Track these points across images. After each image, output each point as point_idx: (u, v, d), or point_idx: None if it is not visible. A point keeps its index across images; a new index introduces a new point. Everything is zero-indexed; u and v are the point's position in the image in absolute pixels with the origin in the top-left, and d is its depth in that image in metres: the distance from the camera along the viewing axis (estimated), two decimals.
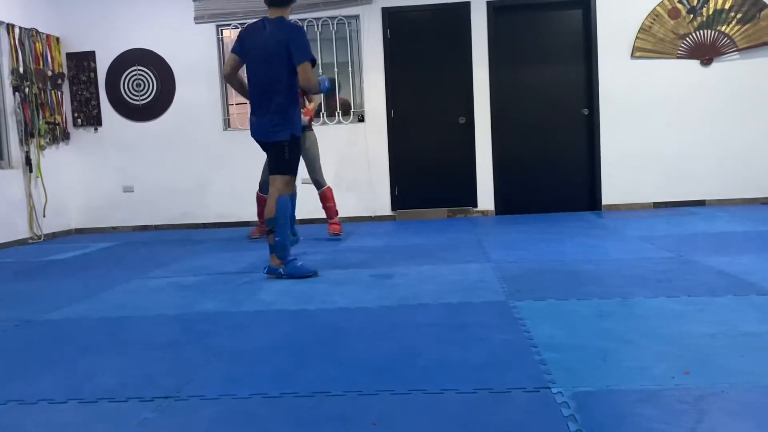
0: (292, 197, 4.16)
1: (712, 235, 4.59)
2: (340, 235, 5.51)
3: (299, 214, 6.87)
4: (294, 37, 3.73)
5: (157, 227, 7.06)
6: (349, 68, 6.81)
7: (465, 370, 2.06)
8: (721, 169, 6.45)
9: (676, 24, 6.39)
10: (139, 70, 6.93)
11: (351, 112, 6.84)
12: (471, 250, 4.50)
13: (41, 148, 6.53)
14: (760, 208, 6.06)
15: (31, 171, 6.37)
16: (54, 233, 6.75)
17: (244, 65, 3.92)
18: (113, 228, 7.13)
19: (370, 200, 6.83)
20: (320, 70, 6.84)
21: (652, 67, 6.43)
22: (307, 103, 5.32)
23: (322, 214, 6.85)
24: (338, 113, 6.81)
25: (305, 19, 6.74)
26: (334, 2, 6.64)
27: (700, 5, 6.34)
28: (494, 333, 2.46)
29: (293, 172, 3.86)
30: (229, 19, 6.80)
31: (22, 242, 6.24)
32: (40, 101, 6.51)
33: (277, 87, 3.73)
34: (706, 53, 6.39)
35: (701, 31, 6.37)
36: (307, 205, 6.89)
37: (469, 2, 6.55)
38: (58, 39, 6.87)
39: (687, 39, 6.39)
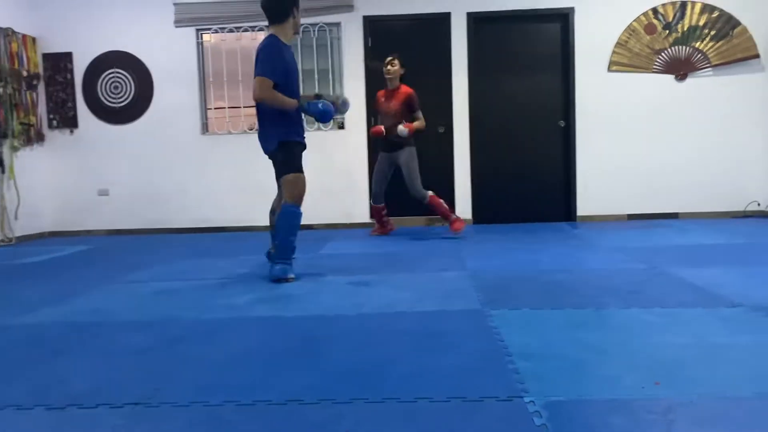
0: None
1: (684, 248, 4.67)
2: (459, 232, 5.58)
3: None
4: (259, 52, 3.83)
5: (132, 232, 6.99)
6: (330, 75, 6.82)
7: (439, 379, 2.07)
8: (694, 182, 6.57)
9: (652, 39, 6.50)
10: (117, 72, 6.87)
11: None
12: (448, 258, 4.53)
13: (15, 149, 6.43)
14: (731, 222, 6.17)
15: (3, 172, 6.27)
16: (26, 236, 6.64)
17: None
18: (87, 232, 7.04)
19: (349, 207, 6.83)
20: (304, 86, 6.84)
21: (628, 81, 6.54)
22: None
23: (303, 220, 6.84)
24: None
25: None
26: (315, 9, 6.65)
27: (675, 21, 6.47)
28: (469, 341, 2.47)
29: (293, 170, 3.88)
30: (209, 23, 6.78)
31: None
32: (14, 102, 6.42)
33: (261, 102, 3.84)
34: (680, 68, 6.51)
35: (676, 47, 6.49)
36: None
37: (449, 13, 6.60)
38: (34, 39, 6.79)
39: (662, 54, 6.51)
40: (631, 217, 6.63)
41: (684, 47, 6.48)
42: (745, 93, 6.48)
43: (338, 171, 6.80)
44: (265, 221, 6.82)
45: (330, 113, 4.01)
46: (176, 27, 6.79)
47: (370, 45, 6.67)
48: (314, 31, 6.75)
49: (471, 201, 6.73)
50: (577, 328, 2.60)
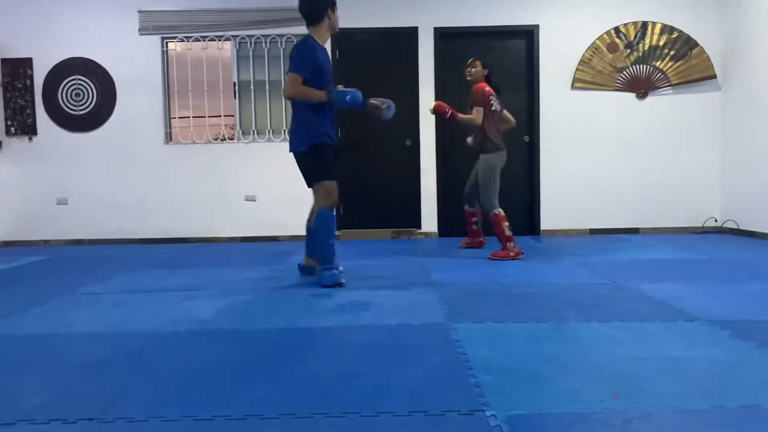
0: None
1: (645, 263, 4.76)
2: (499, 258, 4.97)
3: (244, 232, 6.79)
4: (293, 51, 3.94)
5: (91, 242, 6.83)
6: None
7: (401, 393, 2.06)
8: (654, 198, 6.71)
9: (615, 58, 6.65)
10: (79, 79, 6.74)
11: None
12: (413, 271, 4.53)
13: None
14: (690, 237, 6.31)
15: None
16: None
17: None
18: (45, 241, 6.86)
19: None
20: (266, 86, 6.81)
21: (591, 98, 6.67)
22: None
23: (267, 232, 6.80)
24: (285, 131, 6.78)
25: (253, 36, 6.71)
26: (282, 20, 6.63)
27: (636, 41, 6.63)
28: (432, 355, 2.47)
29: (326, 178, 3.97)
30: (175, 32, 6.71)
31: None
32: None
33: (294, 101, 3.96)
34: (641, 87, 6.67)
35: (637, 66, 6.65)
36: (247, 220, 6.85)
37: (416, 27, 6.66)
38: None
39: (624, 72, 6.66)
40: (593, 231, 6.74)
41: (645, 66, 6.64)
42: (703, 112, 6.67)
43: (304, 182, 6.74)
44: (229, 232, 6.79)
45: (358, 99, 3.99)
46: (140, 35, 6.70)
47: (337, 57, 6.68)
48: (282, 41, 6.73)
49: (437, 214, 6.76)
50: (539, 342, 2.62)
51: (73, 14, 6.71)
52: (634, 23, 6.62)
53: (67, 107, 6.77)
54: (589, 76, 6.64)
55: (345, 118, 6.68)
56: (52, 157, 6.79)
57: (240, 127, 6.84)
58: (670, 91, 6.67)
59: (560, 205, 6.72)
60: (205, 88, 6.82)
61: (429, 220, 6.77)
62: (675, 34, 6.59)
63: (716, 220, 6.71)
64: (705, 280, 3.94)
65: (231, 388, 2.14)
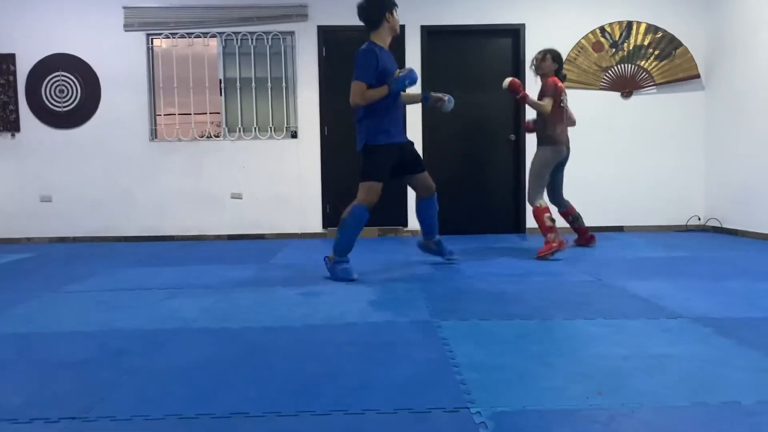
0: (430, 206, 4.52)
1: (629, 261, 4.79)
2: (545, 257, 4.79)
3: (230, 230, 6.76)
4: (356, 57, 4.09)
5: (75, 239, 6.78)
6: (283, 84, 6.78)
7: (387, 390, 2.06)
8: (638, 197, 6.77)
9: (600, 57, 6.69)
10: (63, 75, 6.67)
11: (284, 127, 6.79)
12: (399, 269, 4.53)
13: None
14: (673, 235, 6.37)
15: None
16: None
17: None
18: (28, 239, 6.79)
19: (301, 217, 6.78)
20: (252, 83, 6.79)
21: (576, 97, 6.68)
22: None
23: (253, 230, 6.78)
24: (271, 128, 6.76)
25: (239, 33, 6.68)
26: (269, 17, 6.61)
27: (621, 40, 6.67)
28: (417, 352, 2.47)
29: (372, 179, 4.08)
30: (160, 28, 6.66)
31: None
32: None
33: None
34: (626, 86, 6.72)
35: (622, 65, 6.69)
36: (233, 218, 6.83)
37: (403, 25, 6.63)
38: None
39: (609, 72, 6.70)
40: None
41: (629, 65, 6.69)
42: (687, 111, 6.73)
43: (291, 180, 6.75)
44: (215, 230, 6.76)
45: (415, 78, 4.06)
46: (125, 31, 6.64)
47: (324, 55, 6.67)
48: (268, 39, 6.71)
49: None
50: (524, 339, 2.64)
51: (57, 10, 6.64)
52: (620, 23, 6.66)
53: (51, 104, 6.70)
54: (575, 75, 6.67)
55: (329, 116, 6.68)
56: (35, 154, 6.73)
57: (226, 125, 6.81)
58: (655, 91, 6.72)
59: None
60: (191, 85, 6.78)
61: (414, 218, 6.76)
62: (659, 34, 6.64)
63: (699, 219, 6.77)
64: (688, 278, 3.98)
65: (215, 387, 2.13)
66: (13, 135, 6.73)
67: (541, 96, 5.11)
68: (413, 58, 6.66)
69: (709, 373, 2.18)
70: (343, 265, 4.11)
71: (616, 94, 6.73)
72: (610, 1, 6.67)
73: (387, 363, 2.35)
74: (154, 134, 6.81)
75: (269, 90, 6.77)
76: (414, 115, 6.65)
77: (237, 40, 6.72)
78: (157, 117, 6.84)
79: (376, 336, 2.74)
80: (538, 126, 5.22)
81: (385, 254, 5.34)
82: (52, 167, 6.73)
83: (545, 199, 5.10)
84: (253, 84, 6.79)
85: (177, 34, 6.69)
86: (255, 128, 6.78)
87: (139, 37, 6.68)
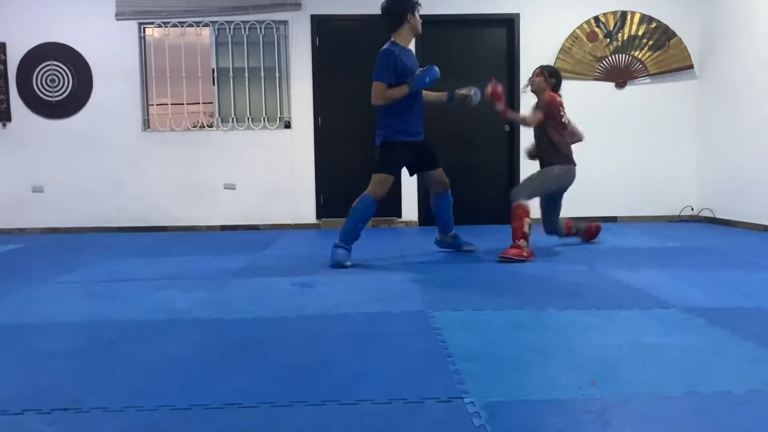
0: (446, 201, 4.65)
1: (622, 251, 4.80)
2: (509, 261, 4.29)
3: (223, 220, 6.74)
4: (377, 57, 4.19)
5: (67, 230, 6.74)
6: (276, 74, 6.74)
7: (380, 381, 2.06)
8: (632, 187, 6.78)
9: (594, 47, 6.68)
10: (54, 65, 6.62)
11: (277, 117, 6.76)
12: (393, 259, 4.53)
13: None
14: (667, 226, 6.39)
15: None
16: None
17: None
18: (20, 230, 6.76)
19: (295, 208, 6.77)
20: (245, 73, 6.74)
21: (571, 87, 6.66)
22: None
23: (247, 221, 6.76)
24: (264, 118, 6.73)
25: (232, 22, 6.64)
26: (262, 6, 6.57)
27: (616, 30, 6.66)
28: (411, 343, 2.47)
29: (385, 172, 4.23)
30: (152, 17, 6.60)
31: None
32: None
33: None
34: (620, 76, 6.71)
35: (617, 55, 6.68)
36: (226, 208, 6.80)
37: None
38: None
39: (603, 62, 6.69)
40: (572, 219, 6.77)
41: (624, 56, 6.68)
42: (680, 101, 6.73)
43: (284, 171, 6.73)
44: (208, 221, 6.73)
45: (436, 75, 4.18)
46: (117, 20, 6.59)
47: (318, 44, 6.63)
48: (261, 28, 6.66)
49: (417, 203, 6.76)
50: (518, 329, 2.64)
51: None
52: (614, 13, 6.64)
53: (43, 93, 6.65)
54: (569, 65, 6.66)
55: (322, 106, 6.66)
56: (27, 144, 6.68)
57: (219, 115, 6.77)
58: (648, 81, 6.72)
59: None
60: (184, 75, 6.74)
61: (409, 209, 6.78)
62: (654, 24, 6.63)
63: (692, 209, 6.79)
64: (681, 268, 3.99)
65: (208, 378, 2.13)
66: (4, 125, 6.68)
67: (535, 107, 4.77)
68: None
69: (702, 362, 2.19)
70: (342, 250, 4.19)
71: (611, 85, 6.73)
72: None
73: (381, 353, 2.35)
74: (146, 124, 6.77)
75: (262, 80, 6.73)
76: None
77: (230, 29, 6.67)
78: (150, 107, 6.80)
79: (370, 326, 2.74)
80: (544, 151, 4.84)
81: (379, 245, 5.33)
82: (43, 158, 6.69)
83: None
84: (246, 74, 6.75)
85: (169, 23, 6.64)
86: (248, 118, 6.75)
87: (131, 26, 6.63)
